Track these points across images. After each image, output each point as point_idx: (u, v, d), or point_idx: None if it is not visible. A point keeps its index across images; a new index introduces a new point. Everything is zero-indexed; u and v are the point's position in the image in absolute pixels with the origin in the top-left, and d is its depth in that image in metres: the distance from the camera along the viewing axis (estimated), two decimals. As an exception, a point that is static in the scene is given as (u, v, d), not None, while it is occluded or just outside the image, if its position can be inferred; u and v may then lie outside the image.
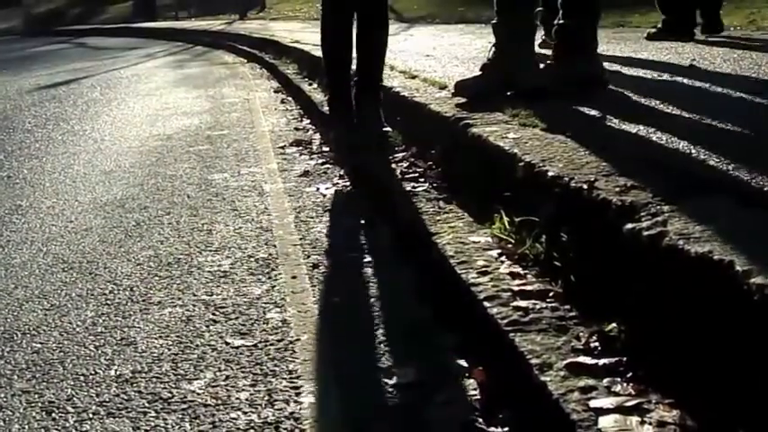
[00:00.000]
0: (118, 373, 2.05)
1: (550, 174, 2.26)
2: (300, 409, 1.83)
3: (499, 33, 3.72)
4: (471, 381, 1.87)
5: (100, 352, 2.18)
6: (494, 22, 3.76)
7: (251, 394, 1.90)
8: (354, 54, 4.08)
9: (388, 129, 4.00)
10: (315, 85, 6.56)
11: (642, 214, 1.80)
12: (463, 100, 3.61)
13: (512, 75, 3.58)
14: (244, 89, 8.12)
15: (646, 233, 1.72)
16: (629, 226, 1.78)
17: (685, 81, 3.56)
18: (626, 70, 4.09)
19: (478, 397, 1.80)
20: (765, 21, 5.93)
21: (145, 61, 13.22)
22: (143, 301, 2.53)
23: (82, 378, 2.04)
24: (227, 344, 2.19)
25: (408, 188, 3.10)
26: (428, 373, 1.94)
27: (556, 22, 3.54)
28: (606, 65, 3.65)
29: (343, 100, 4.08)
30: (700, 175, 2.03)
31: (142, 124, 6.16)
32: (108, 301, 2.54)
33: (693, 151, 2.29)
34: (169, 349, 2.18)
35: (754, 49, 4.52)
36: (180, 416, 1.83)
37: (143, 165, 4.60)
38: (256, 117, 6.21)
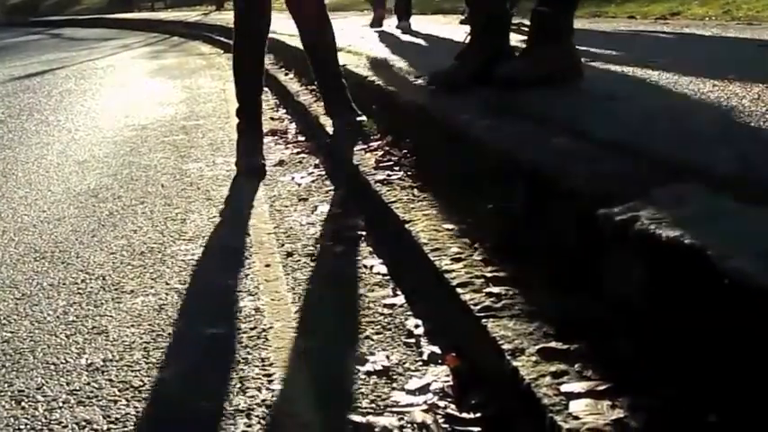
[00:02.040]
0: (89, 361, 2.04)
1: (523, 160, 2.25)
2: (272, 396, 1.82)
3: (474, 22, 3.72)
4: (444, 367, 1.87)
5: (71, 341, 2.17)
6: (469, 11, 3.76)
7: (223, 382, 1.89)
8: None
9: (363, 117, 4.00)
10: (290, 75, 6.54)
11: (614, 199, 1.80)
12: (438, 88, 3.60)
13: (486, 63, 3.58)
14: (220, 80, 8.08)
15: (618, 218, 1.71)
16: (602, 211, 1.78)
17: (660, 68, 3.56)
18: (600, 58, 4.09)
19: (451, 383, 1.80)
20: (740, 11, 5.96)
21: (120, 52, 13.15)
22: (115, 289, 2.51)
23: (52, 367, 2.02)
24: (199, 332, 2.18)
25: (383, 176, 3.09)
26: (400, 359, 1.94)
27: (533, 8, 3.53)
28: (581, 53, 3.65)
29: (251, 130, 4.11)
30: (673, 161, 2.03)
31: (117, 115, 6.12)
32: (80, 291, 2.52)
33: (667, 138, 2.29)
34: (141, 338, 2.16)
35: (727, 38, 4.54)
36: (151, 404, 1.82)
37: (117, 155, 4.57)
38: (232, 107, 6.17)
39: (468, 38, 3.72)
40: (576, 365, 1.56)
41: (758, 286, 1.26)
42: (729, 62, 3.54)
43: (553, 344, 1.65)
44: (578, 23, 3.81)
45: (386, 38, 7.06)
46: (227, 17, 15.86)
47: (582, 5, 3.45)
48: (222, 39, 12.26)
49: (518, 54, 3.60)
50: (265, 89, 6.85)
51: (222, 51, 11.41)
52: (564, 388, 1.48)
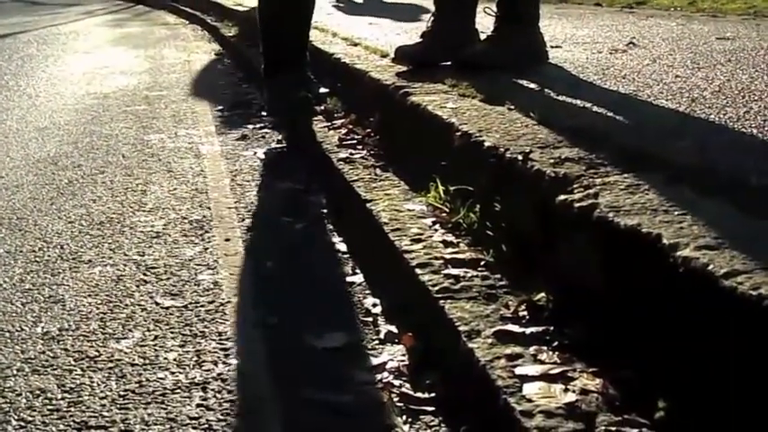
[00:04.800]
0: (44, 330, 2.03)
1: (487, 144, 2.26)
2: (228, 370, 1.82)
3: (440, 3, 3.72)
4: (400, 346, 1.88)
5: (27, 309, 2.15)
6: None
7: (179, 354, 1.89)
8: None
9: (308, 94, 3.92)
10: (259, 49, 6.49)
11: (575, 186, 1.81)
12: (403, 68, 3.60)
13: (452, 45, 3.59)
14: (184, 51, 8.02)
15: (577, 205, 1.73)
16: (562, 197, 1.80)
17: (624, 58, 3.59)
18: (566, 45, 4.11)
19: (407, 362, 1.82)
20: (705, 3, 6.00)
21: (84, 18, 12.99)
22: (73, 259, 2.50)
23: (7, 335, 2.00)
24: (157, 304, 2.17)
25: (345, 155, 3.09)
26: (357, 337, 1.95)
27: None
28: (547, 39, 3.67)
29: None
30: (634, 149, 2.06)
31: (79, 82, 6.05)
32: (37, 259, 2.50)
33: (629, 125, 2.31)
34: (98, 308, 2.16)
35: (692, 29, 4.57)
36: (106, 374, 1.81)
37: (78, 123, 4.53)
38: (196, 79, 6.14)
39: (433, 18, 3.72)
40: (532, 348, 1.58)
41: (710, 275, 1.28)
42: (692, 54, 3.57)
43: (509, 327, 1.67)
44: (545, 8, 3.84)
45: (354, 9, 7.05)
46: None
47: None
48: (188, 9, 12.16)
49: (485, 37, 3.61)
50: (230, 62, 6.83)
51: (187, 22, 11.32)
52: (518, 371, 1.50)
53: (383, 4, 7.94)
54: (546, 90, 2.92)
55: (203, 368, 1.83)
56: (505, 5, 3.51)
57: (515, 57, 3.40)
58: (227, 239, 2.64)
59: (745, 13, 5.30)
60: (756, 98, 2.54)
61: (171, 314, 2.11)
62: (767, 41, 3.80)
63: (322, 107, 3.88)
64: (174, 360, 1.87)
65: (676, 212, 1.56)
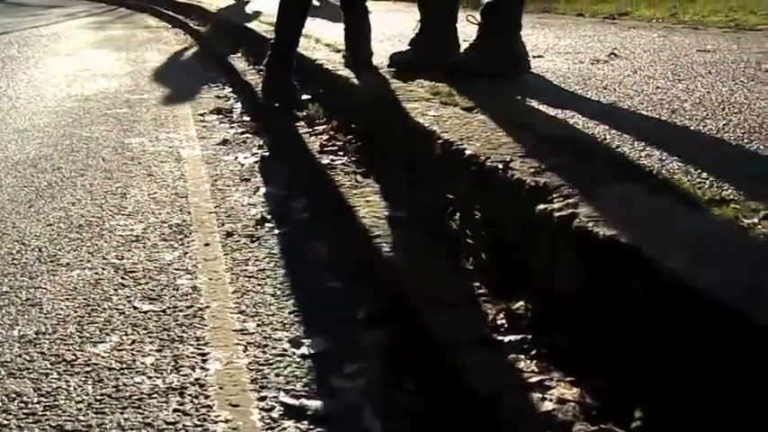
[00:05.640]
0: (21, 333, 2.02)
1: (468, 152, 2.27)
2: (206, 375, 1.81)
3: (424, 11, 3.74)
4: (380, 355, 1.88)
5: (3, 312, 2.14)
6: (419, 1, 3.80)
7: (157, 359, 1.89)
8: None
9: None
10: (239, 54, 6.49)
11: (555, 196, 1.82)
12: (387, 76, 3.61)
13: (437, 53, 3.60)
14: (166, 54, 8.00)
15: (557, 214, 1.74)
16: (541, 207, 1.80)
17: (605, 68, 3.61)
18: (548, 55, 4.13)
19: (386, 369, 1.81)
20: (686, 15, 6.03)
21: (66, 20, 12.95)
22: (51, 262, 2.49)
23: (-17, 337, 1.99)
24: (135, 308, 2.16)
25: (327, 161, 3.09)
26: (338, 343, 1.94)
27: (483, 1, 3.55)
28: (529, 49, 3.68)
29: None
30: (614, 159, 2.07)
31: (60, 84, 6.03)
32: (15, 261, 2.49)
33: (609, 136, 2.32)
34: (75, 311, 2.14)
35: (673, 40, 4.60)
36: (83, 378, 1.80)
37: (58, 125, 4.51)
38: (178, 83, 6.12)
39: (419, 26, 3.75)
40: (510, 356, 1.59)
41: (690, 286, 1.29)
42: (672, 65, 3.59)
43: (490, 336, 1.68)
44: (527, 18, 3.85)
45: (335, 17, 7.02)
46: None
47: (531, 0, 3.46)
48: (170, 13, 12.13)
49: (468, 45, 3.62)
50: (212, 66, 6.81)
51: (170, 25, 11.28)
52: (504, 378, 1.51)
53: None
54: (528, 99, 2.93)
55: (181, 373, 1.82)
56: (488, 14, 3.52)
57: (497, 65, 3.42)
58: (207, 244, 2.63)
59: (725, 25, 5.34)
60: (736, 111, 2.55)
61: (149, 318, 2.10)
62: (747, 54, 3.83)
63: (304, 113, 3.88)
64: (152, 365, 1.86)
65: (656, 223, 1.57)
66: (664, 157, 2.05)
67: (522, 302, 1.77)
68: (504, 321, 1.73)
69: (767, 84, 2.97)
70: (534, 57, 3.79)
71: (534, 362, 1.56)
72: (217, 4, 10.40)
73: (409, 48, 3.79)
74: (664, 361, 1.35)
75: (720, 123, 2.40)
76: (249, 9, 9.11)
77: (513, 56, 3.55)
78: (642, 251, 1.44)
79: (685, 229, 1.53)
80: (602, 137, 2.33)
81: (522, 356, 1.59)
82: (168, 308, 2.16)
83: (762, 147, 2.12)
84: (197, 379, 1.80)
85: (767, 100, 2.68)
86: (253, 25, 7.07)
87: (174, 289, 2.28)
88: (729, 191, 1.75)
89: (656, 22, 5.96)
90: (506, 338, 1.66)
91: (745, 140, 2.20)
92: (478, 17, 3.57)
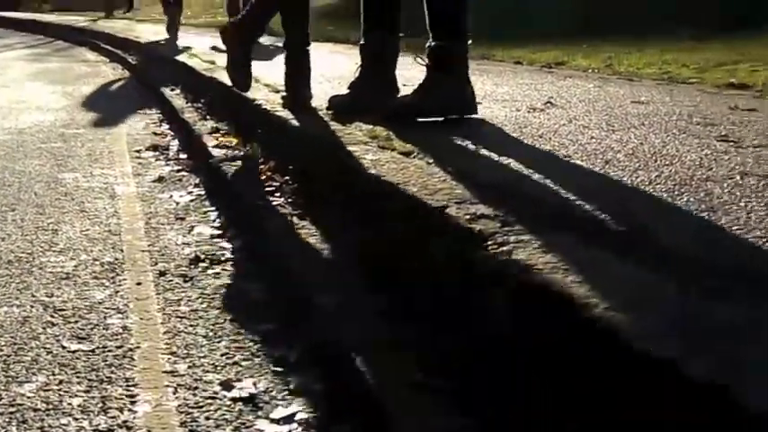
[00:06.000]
0: (-57, 371, 1.97)
1: (403, 197, 2.28)
2: (134, 417, 1.79)
3: (365, 55, 3.77)
4: (310, 397, 1.87)
5: (-74, 349, 2.09)
6: (361, 43, 3.81)
7: (84, 400, 1.85)
8: None
9: None
10: (177, 91, 6.47)
11: (489, 243, 1.83)
12: (326, 118, 3.62)
13: (377, 96, 3.62)
14: (103, 88, 7.94)
15: (492, 262, 1.75)
16: (477, 254, 1.82)
17: (542, 117, 3.66)
18: (486, 102, 4.17)
19: (316, 414, 1.80)
20: (621, 66, 6.15)
21: (2, 51, 12.79)
22: (-23, 298, 2.44)
23: None
24: (63, 347, 2.12)
25: (263, 202, 3.08)
26: (268, 387, 1.93)
27: (427, 45, 3.58)
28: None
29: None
30: (549, 208, 2.09)
31: (-7, 116, 5.95)
32: (-61, 297, 2.44)
33: (545, 183, 2.35)
34: (1, 350, 2.10)
35: (608, 91, 4.68)
36: (7, 419, 1.76)
37: (-10, 158, 4.44)
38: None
39: (360, 69, 3.77)
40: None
41: (622, 334, 1.31)
42: (607, 116, 3.65)
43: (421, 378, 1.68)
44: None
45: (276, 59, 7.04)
46: (115, 25, 15.63)
47: (473, 46, 3.50)
48: (108, 47, 12.05)
49: (414, 89, 3.64)
50: (150, 102, 6.77)
51: (108, 60, 11.20)
52: (431, 422, 1.51)
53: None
54: (468, 144, 2.96)
55: (108, 415, 1.79)
56: (435, 55, 3.54)
57: (443, 107, 3.45)
58: (139, 283, 2.60)
59: (659, 78, 5.45)
60: (668, 162, 2.60)
61: (77, 358, 2.06)
62: (679, 107, 3.91)
63: (242, 152, 3.87)
64: (79, 406, 1.83)
65: (588, 272, 1.59)
66: (594, 207, 2.07)
67: (456, 346, 1.77)
68: (436, 365, 1.73)
69: (698, 137, 3.03)
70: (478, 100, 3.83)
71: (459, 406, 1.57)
72: (150, 38, 10.39)
73: (349, 90, 3.81)
74: (599, 408, 1.37)
75: (653, 174, 2.44)
76: (180, 44, 9.16)
77: (460, 98, 3.57)
78: (574, 298, 1.46)
79: (617, 278, 1.55)
80: (538, 185, 2.35)
81: (450, 400, 1.59)
82: (97, 348, 2.13)
83: (691, 199, 2.16)
84: (125, 421, 1.77)
85: (697, 152, 2.73)
86: (193, 63, 7.06)
87: (104, 328, 2.25)
88: (660, 239, 1.78)
89: (591, 73, 6.06)
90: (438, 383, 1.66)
91: (676, 192, 2.24)
92: (425, 58, 3.59)
